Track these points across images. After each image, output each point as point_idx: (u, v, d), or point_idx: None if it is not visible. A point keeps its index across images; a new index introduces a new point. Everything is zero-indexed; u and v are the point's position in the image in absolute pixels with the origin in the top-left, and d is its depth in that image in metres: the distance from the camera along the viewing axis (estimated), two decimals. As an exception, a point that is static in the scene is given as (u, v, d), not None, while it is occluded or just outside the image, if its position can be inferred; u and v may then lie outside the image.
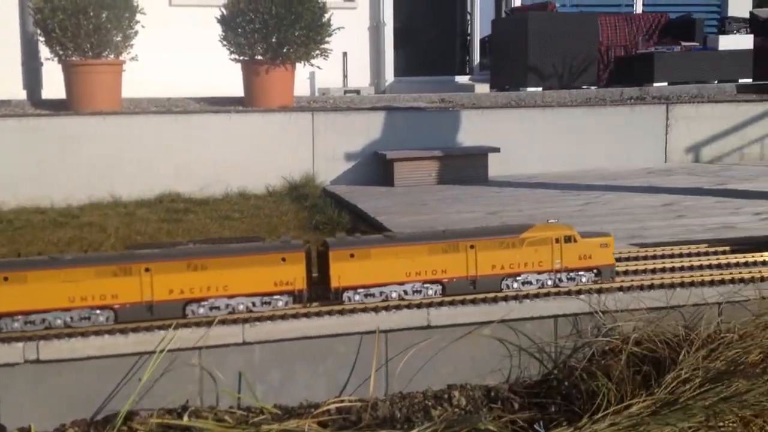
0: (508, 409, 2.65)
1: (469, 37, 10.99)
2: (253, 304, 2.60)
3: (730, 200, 4.67)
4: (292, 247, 2.65)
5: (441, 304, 2.70)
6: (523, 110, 6.53)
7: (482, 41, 10.69)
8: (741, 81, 8.52)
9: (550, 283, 2.85)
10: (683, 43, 9.19)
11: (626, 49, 9.49)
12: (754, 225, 3.86)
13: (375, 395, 2.62)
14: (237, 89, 6.43)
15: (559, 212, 4.46)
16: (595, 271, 2.90)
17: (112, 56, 6.01)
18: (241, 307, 2.58)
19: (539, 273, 2.83)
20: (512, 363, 2.80)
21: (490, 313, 2.71)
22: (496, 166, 6.05)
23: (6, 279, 2.43)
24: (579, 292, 2.81)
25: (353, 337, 2.61)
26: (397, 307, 2.65)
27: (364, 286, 2.69)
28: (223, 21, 6.17)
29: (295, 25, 6.04)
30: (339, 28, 6.45)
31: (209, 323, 2.49)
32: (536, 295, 2.78)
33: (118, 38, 5.97)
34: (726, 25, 9.89)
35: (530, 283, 2.83)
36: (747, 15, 10.45)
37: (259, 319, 2.52)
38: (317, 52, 6.27)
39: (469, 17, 10.92)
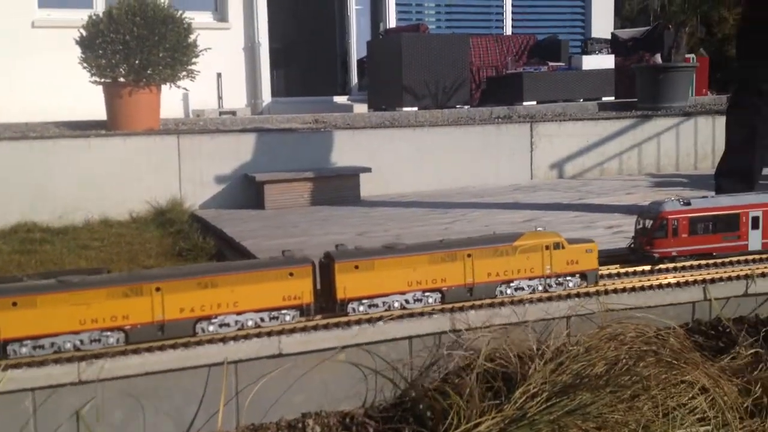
0: (363, 434, 2.62)
1: (347, 58, 11.06)
2: (262, 320, 2.62)
3: (586, 214, 4.83)
4: (299, 262, 2.68)
5: (293, 330, 2.66)
6: (395, 130, 6.59)
7: (360, 61, 10.78)
8: (605, 99, 8.91)
9: (540, 288, 2.97)
10: (550, 64, 9.55)
11: (497, 69, 9.78)
12: (605, 239, 4.01)
13: (224, 429, 2.54)
14: (101, 113, 6.20)
15: (427, 231, 4.51)
16: (580, 275, 3.01)
17: (-38, 80, 5.71)
18: (250, 323, 2.61)
19: (530, 279, 2.96)
20: (368, 386, 2.78)
21: (342, 337, 2.69)
22: (368, 186, 6.07)
23: (15, 304, 2.35)
24: (431, 313, 2.82)
25: (201, 370, 2.53)
26: (246, 337, 2.58)
27: (368, 297, 2.75)
28: (82, 43, 5.95)
29: (159, 46, 5.88)
30: (207, 49, 6.33)
31: (41, 363, 2.35)
32: (390, 317, 2.78)
33: (-31, 61, 5.68)
34: (589, 45, 10.35)
35: (522, 288, 2.95)
36: (609, 36, 10.99)
37: (96, 357, 2.40)
38: (184, 73, 6.13)
39: (347, 37, 11.00)
